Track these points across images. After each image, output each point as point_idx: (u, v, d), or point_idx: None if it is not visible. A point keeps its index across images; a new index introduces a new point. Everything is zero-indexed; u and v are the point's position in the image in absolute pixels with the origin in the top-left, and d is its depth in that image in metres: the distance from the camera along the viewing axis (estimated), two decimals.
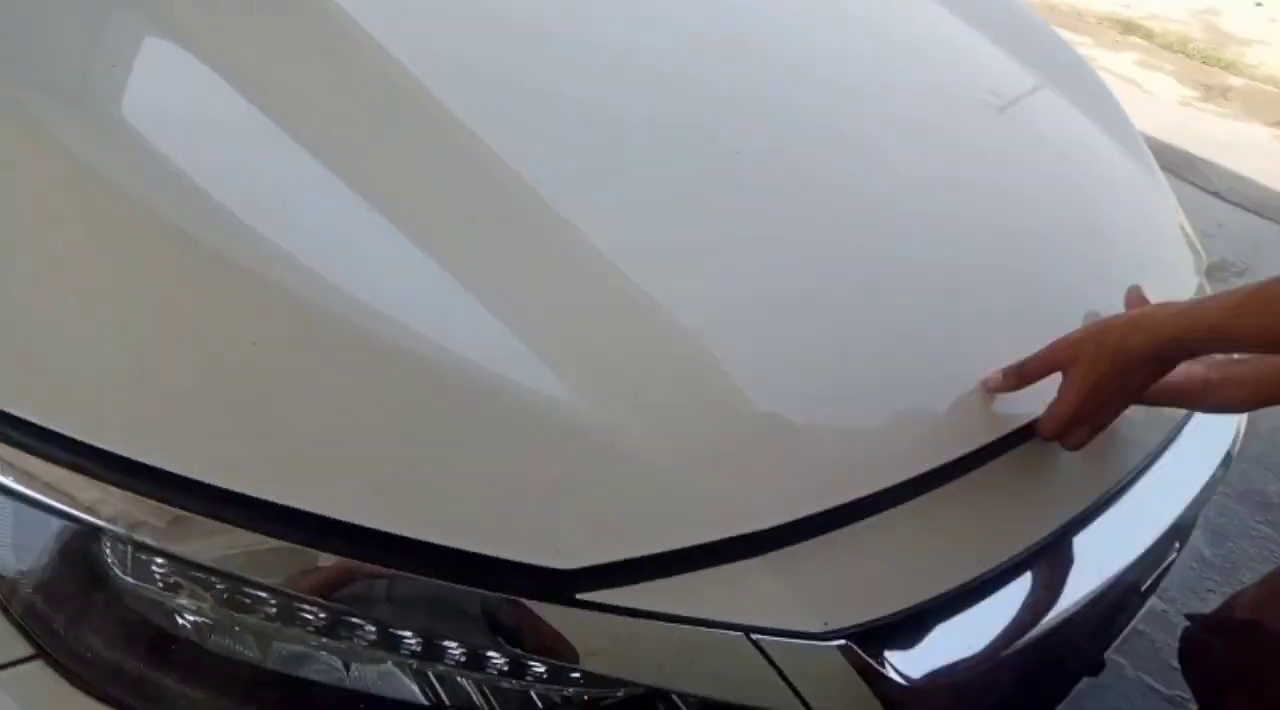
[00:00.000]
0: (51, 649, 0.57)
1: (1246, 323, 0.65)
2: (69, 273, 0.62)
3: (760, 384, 0.70)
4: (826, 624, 0.63)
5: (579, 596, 0.59)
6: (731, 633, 0.61)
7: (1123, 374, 0.72)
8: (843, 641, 0.64)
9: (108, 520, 0.56)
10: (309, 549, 0.57)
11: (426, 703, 0.62)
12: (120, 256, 0.63)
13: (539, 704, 0.63)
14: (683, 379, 0.68)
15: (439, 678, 0.61)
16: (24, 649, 0.57)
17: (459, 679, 0.61)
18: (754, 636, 0.62)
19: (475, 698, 0.62)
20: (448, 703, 0.62)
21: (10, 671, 0.56)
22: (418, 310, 0.64)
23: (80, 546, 0.58)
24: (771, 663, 0.62)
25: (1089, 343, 0.75)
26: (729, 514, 0.63)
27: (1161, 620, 1.79)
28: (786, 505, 0.65)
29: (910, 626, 0.67)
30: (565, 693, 0.62)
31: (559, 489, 0.61)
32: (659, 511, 0.62)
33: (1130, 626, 1.01)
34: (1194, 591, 1.88)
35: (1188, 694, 1.02)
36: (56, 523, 0.57)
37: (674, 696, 0.64)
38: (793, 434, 0.69)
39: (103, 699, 0.57)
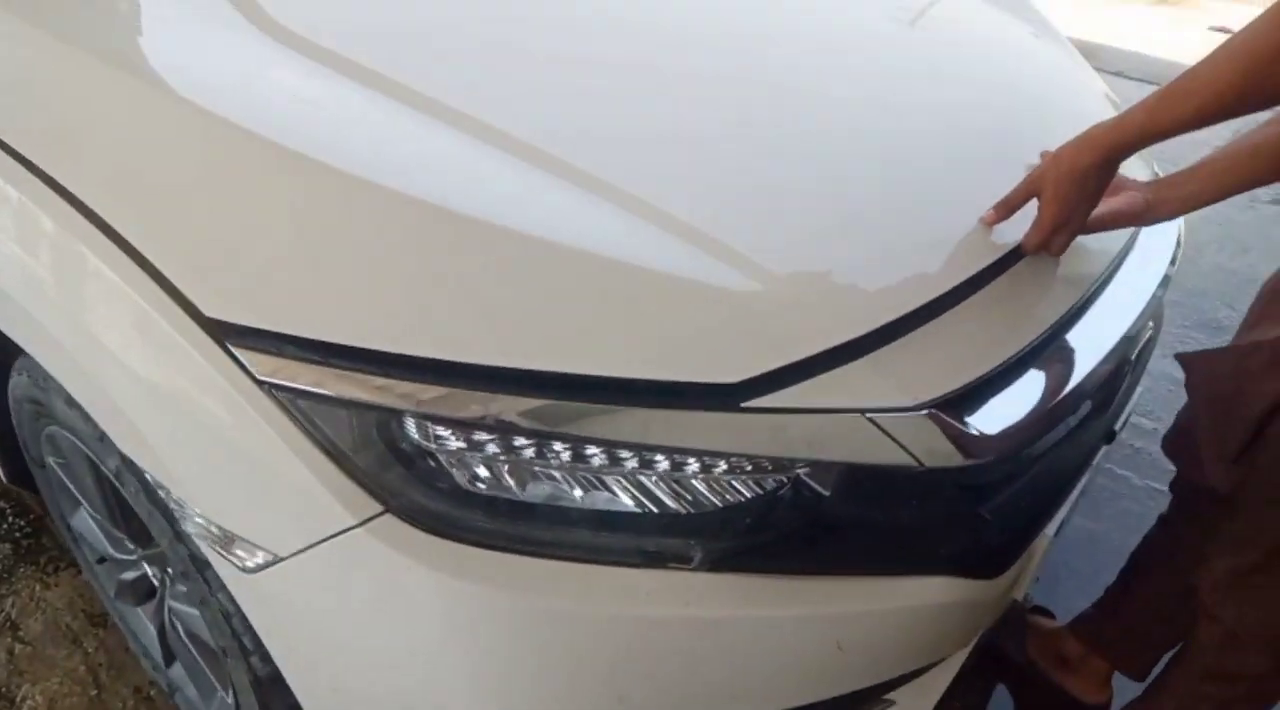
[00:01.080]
0: (393, 505, 0.80)
1: (1164, 116, 0.90)
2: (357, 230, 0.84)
3: (849, 233, 0.96)
4: (916, 399, 0.88)
5: (742, 404, 0.83)
6: (852, 414, 0.86)
7: (1081, 184, 0.98)
8: (928, 410, 0.88)
9: (407, 403, 0.79)
10: (555, 402, 0.80)
11: (639, 510, 0.85)
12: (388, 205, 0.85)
13: (714, 500, 0.87)
14: (798, 238, 0.93)
15: (646, 488, 0.84)
16: (376, 507, 0.80)
17: (664, 484, 0.84)
18: (868, 415, 0.86)
19: (672, 499, 0.85)
20: (653, 508, 0.85)
21: (373, 524, 0.79)
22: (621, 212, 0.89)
23: (392, 427, 0.80)
24: (884, 431, 0.86)
25: (1050, 168, 1.00)
26: (838, 326, 0.87)
27: (1154, 436, 2.08)
28: (876, 314, 0.89)
29: (973, 395, 0.92)
30: (739, 481, 0.86)
31: (723, 327, 0.84)
32: (790, 332, 0.86)
33: (1127, 412, 1.28)
34: (1173, 408, 2.17)
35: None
36: (371, 414, 0.79)
37: (811, 482, 0.88)
38: (874, 263, 0.94)
39: (439, 535, 0.80)
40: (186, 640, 1.22)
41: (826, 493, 0.89)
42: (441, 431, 0.81)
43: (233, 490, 0.84)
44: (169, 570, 1.20)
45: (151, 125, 0.90)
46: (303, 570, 0.83)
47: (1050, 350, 1.03)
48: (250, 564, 0.87)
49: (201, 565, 0.98)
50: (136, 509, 1.03)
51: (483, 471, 0.82)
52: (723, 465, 0.85)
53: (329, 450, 0.80)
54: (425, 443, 0.81)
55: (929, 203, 1.05)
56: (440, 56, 1.05)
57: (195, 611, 1.14)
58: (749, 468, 0.86)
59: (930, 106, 1.21)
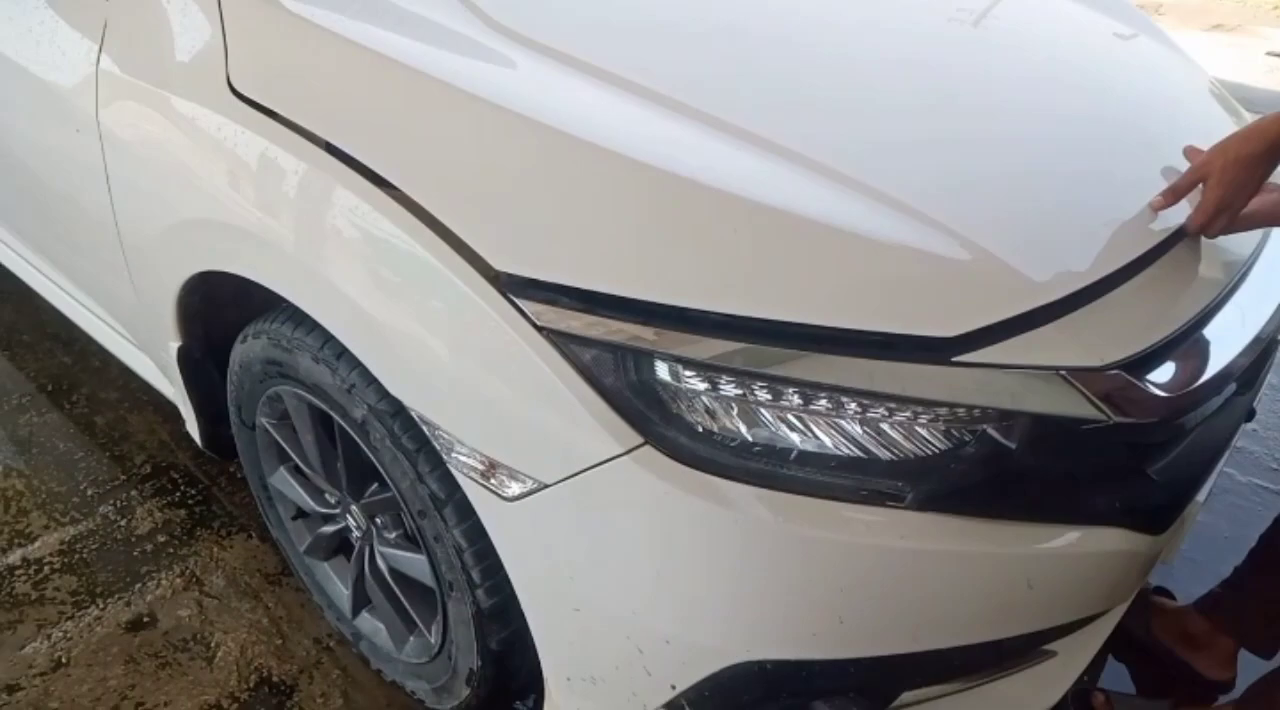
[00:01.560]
0: (651, 438, 0.91)
1: None
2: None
3: (1040, 211, 1.07)
4: (1104, 359, 0.97)
5: (953, 358, 0.93)
6: (1049, 371, 0.95)
7: (1247, 170, 1.07)
8: (1115, 370, 0.98)
9: (659, 346, 0.90)
10: (789, 349, 0.90)
11: (861, 453, 0.95)
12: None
13: (925, 446, 0.96)
14: (997, 216, 1.03)
15: (867, 432, 0.94)
16: (637, 439, 0.90)
17: (882, 429, 0.94)
18: (1061, 373, 0.96)
19: (887, 444, 0.95)
20: (873, 452, 0.95)
21: (636, 453, 0.90)
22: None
23: (648, 368, 0.91)
24: (1077, 388, 0.95)
25: (1218, 156, 1.10)
26: (1035, 291, 0.97)
27: (1254, 437, 2.14)
28: (1067, 282, 0.99)
29: (1151, 358, 1.01)
30: (946, 429, 0.95)
31: (938, 290, 0.94)
32: (994, 296, 0.96)
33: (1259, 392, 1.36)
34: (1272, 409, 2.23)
35: None
36: (630, 356, 0.90)
37: (1003, 434, 0.98)
38: (1062, 238, 1.05)
39: (691, 465, 0.90)
40: (393, 584, 1.33)
41: (1015, 444, 0.98)
42: (688, 374, 0.92)
43: (505, 424, 0.96)
44: (378, 519, 1.32)
45: (458, 125, 1.02)
46: (566, 496, 0.94)
47: (1211, 324, 1.12)
48: (510, 493, 0.98)
49: (440, 503, 1.10)
50: (377, 454, 1.14)
51: (722, 411, 0.93)
52: (934, 414, 0.95)
53: (597, 387, 0.91)
54: (675, 383, 0.92)
55: (1103, 186, 1.15)
56: (681, 58, 1.18)
57: (410, 554, 1.26)
58: (956, 417, 0.95)
59: (1086, 105, 1.31)
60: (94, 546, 1.71)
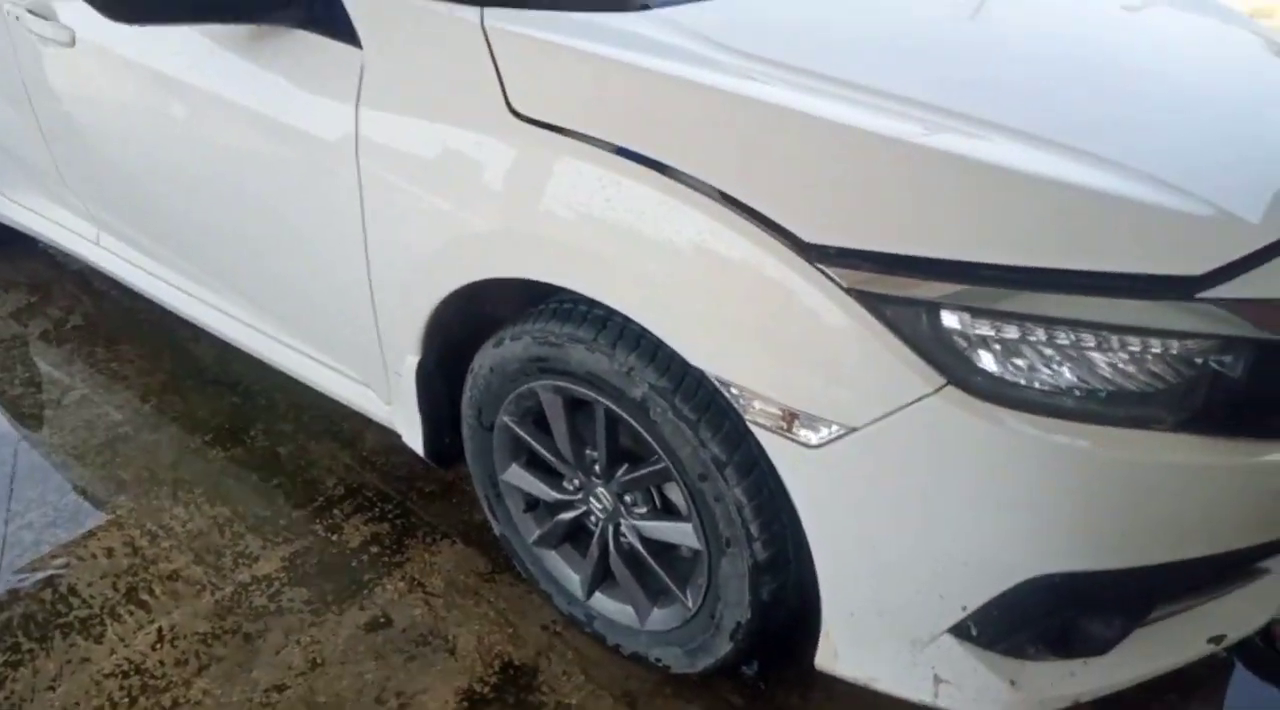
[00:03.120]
0: (952, 378, 1.05)
1: None
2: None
3: (1235, 171, 1.23)
4: None
5: (1196, 295, 1.07)
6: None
7: None
8: None
9: (946, 298, 1.05)
10: (1062, 294, 1.05)
11: (1108, 385, 1.08)
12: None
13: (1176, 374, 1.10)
14: (1208, 173, 1.19)
15: (1111, 362, 1.08)
16: (941, 379, 1.04)
17: (1142, 360, 1.08)
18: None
19: (1147, 375, 1.09)
20: (1121, 381, 1.08)
21: (944, 391, 1.04)
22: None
23: (940, 317, 1.06)
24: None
25: None
26: (1255, 235, 1.12)
27: None
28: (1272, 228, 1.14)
29: None
30: (1175, 355, 1.09)
31: (1178, 236, 1.10)
32: (1221, 240, 1.11)
33: None
34: None
35: None
36: (922, 308, 1.05)
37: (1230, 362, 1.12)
38: (1256, 195, 1.19)
39: (987, 400, 1.04)
40: (647, 556, 1.45)
41: (1247, 369, 1.12)
42: (975, 321, 1.06)
43: (813, 377, 1.10)
44: (626, 497, 1.44)
45: (747, 125, 1.19)
46: (874, 437, 1.08)
47: None
48: (816, 440, 1.11)
49: (721, 465, 1.23)
50: (656, 429, 1.27)
51: (1006, 352, 1.07)
52: (1185, 345, 1.09)
53: (901, 337, 1.05)
54: (964, 329, 1.06)
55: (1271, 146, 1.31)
56: (902, 66, 1.37)
57: (672, 523, 1.38)
58: (1201, 348, 1.09)
59: (1253, 96, 1.49)
60: (314, 561, 1.83)
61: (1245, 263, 1.11)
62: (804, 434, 1.12)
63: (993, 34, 1.60)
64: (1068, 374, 1.07)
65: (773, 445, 1.16)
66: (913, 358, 1.05)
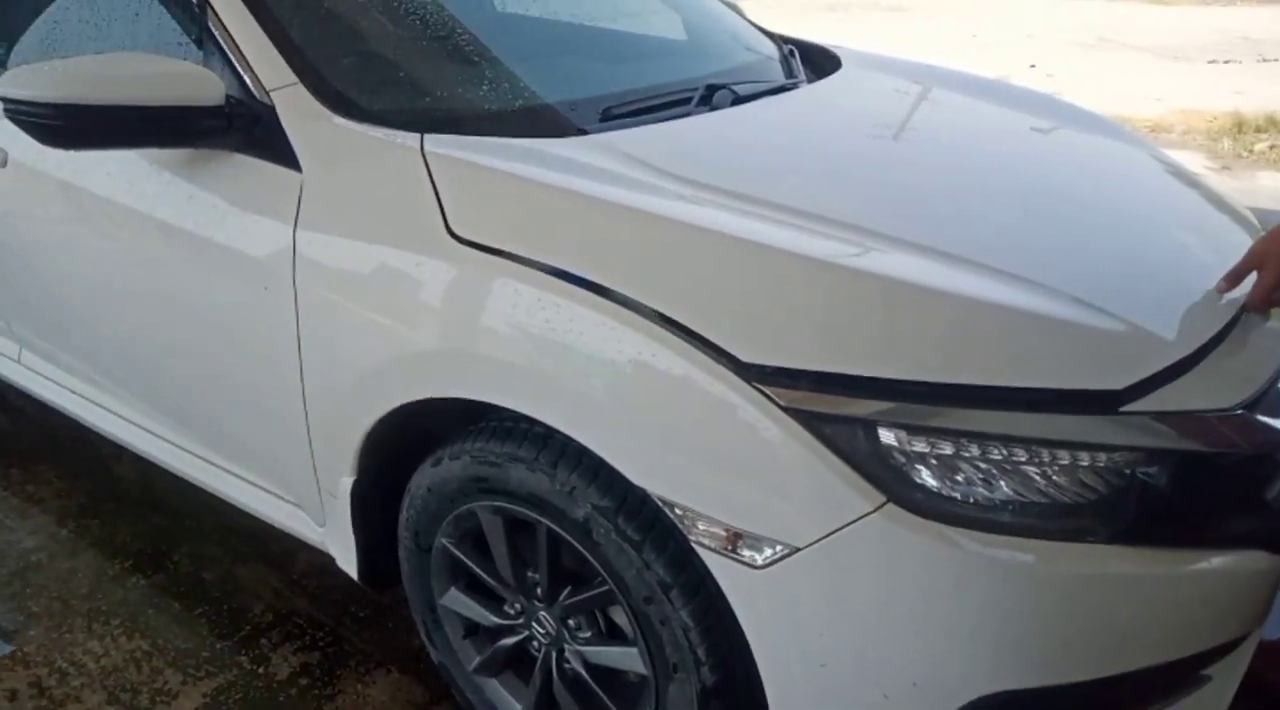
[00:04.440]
0: (891, 496, 1.05)
1: None
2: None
3: (1152, 291, 1.30)
4: (1232, 401, 1.17)
5: (1120, 409, 1.11)
6: (1195, 413, 1.14)
7: None
8: (1240, 411, 1.17)
9: (880, 416, 1.06)
10: (989, 411, 1.07)
11: (1042, 497, 1.10)
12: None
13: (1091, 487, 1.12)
14: (1129, 290, 1.26)
15: (1063, 478, 1.10)
16: (881, 497, 1.05)
17: (1073, 474, 1.10)
18: (1207, 414, 1.14)
19: (1080, 488, 1.11)
20: (1053, 494, 1.10)
21: (884, 509, 1.05)
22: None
23: (877, 435, 1.07)
24: (1215, 427, 1.14)
25: (1272, 245, 1.33)
26: (1171, 349, 1.17)
27: None
28: (1189, 341, 1.19)
29: (1259, 401, 1.21)
30: (1104, 467, 1.11)
31: (1099, 353, 1.14)
32: (1140, 355, 1.15)
33: None
34: None
35: None
36: (859, 426, 1.06)
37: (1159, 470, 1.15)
38: (1172, 310, 1.26)
39: (926, 517, 1.05)
40: (592, 682, 1.40)
41: (1170, 480, 1.15)
42: (911, 438, 1.08)
43: (756, 497, 1.09)
44: (570, 621, 1.40)
45: (683, 248, 1.22)
46: (819, 556, 1.07)
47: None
48: (760, 560, 1.10)
49: (667, 587, 1.20)
50: (598, 551, 1.25)
51: (942, 468, 1.08)
52: (1111, 457, 1.11)
53: (840, 455, 1.06)
54: (901, 446, 1.07)
55: (1184, 268, 1.39)
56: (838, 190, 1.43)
57: (619, 648, 1.34)
58: (1128, 459, 1.12)
59: (1153, 212, 1.58)
60: (238, 696, 1.72)
61: (1162, 376, 1.16)
62: (748, 554, 1.11)
63: (914, 156, 1.68)
64: (1003, 488, 1.09)
65: (718, 566, 1.14)
66: (853, 476, 1.06)
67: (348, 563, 1.65)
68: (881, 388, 1.07)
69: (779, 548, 1.09)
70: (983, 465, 1.08)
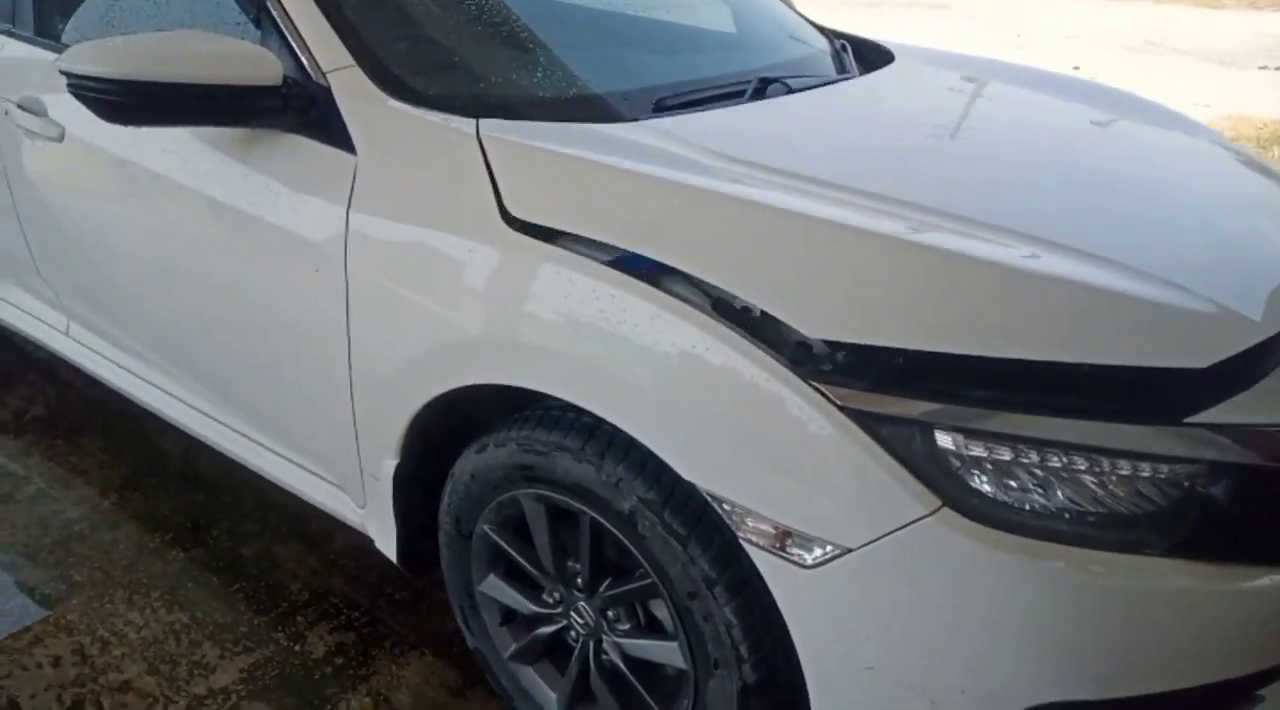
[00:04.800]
0: (947, 499, 1.04)
1: None
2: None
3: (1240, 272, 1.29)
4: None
5: (1184, 420, 1.09)
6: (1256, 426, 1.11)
7: None
8: None
9: (936, 418, 1.05)
10: (1052, 418, 1.05)
11: (1100, 507, 1.08)
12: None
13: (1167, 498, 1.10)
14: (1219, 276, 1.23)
15: (1102, 485, 1.08)
16: (937, 501, 1.03)
17: (1132, 484, 1.08)
18: (1266, 428, 1.12)
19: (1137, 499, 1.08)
20: (1112, 504, 1.08)
21: (940, 513, 1.03)
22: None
23: (930, 438, 1.05)
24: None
25: None
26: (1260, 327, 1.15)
27: None
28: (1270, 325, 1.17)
29: None
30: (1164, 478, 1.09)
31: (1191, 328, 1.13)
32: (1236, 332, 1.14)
33: None
34: None
35: None
36: (915, 428, 1.05)
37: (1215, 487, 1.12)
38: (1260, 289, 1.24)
39: (982, 523, 1.03)
40: (630, 675, 1.40)
41: (1234, 493, 1.12)
42: (969, 441, 1.06)
43: (807, 496, 1.08)
44: (609, 612, 1.40)
45: (749, 227, 1.21)
46: (871, 558, 1.06)
47: None
48: (810, 560, 1.09)
49: (712, 583, 1.20)
50: (643, 544, 1.24)
51: (999, 473, 1.06)
52: (1171, 469, 1.09)
53: (897, 457, 1.04)
54: (958, 450, 1.06)
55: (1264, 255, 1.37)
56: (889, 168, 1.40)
57: (659, 642, 1.34)
58: (1187, 471, 1.10)
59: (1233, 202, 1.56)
60: (274, 672, 1.74)
61: (1248, 356, 1.13)
62: (798, 553, 1.10)
63: (975, 143, 1.65)
64: (1060, 497, 1.07)
65: (766, 564, 1.13)
66: (908, 478, 1.04)
67: (387, 545, 1.66)
68: (949, 367, 1.05)
69: (829, 548, 1.08)
70: (1040, 472, 1.07)
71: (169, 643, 1.80)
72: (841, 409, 1.06)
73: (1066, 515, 1.07)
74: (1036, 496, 1.07)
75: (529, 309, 1.25)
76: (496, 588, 1.53)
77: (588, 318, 1.19)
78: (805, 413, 1.06)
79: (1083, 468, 1.07)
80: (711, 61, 1.97)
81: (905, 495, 1.04)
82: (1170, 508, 1.09)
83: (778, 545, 1.11)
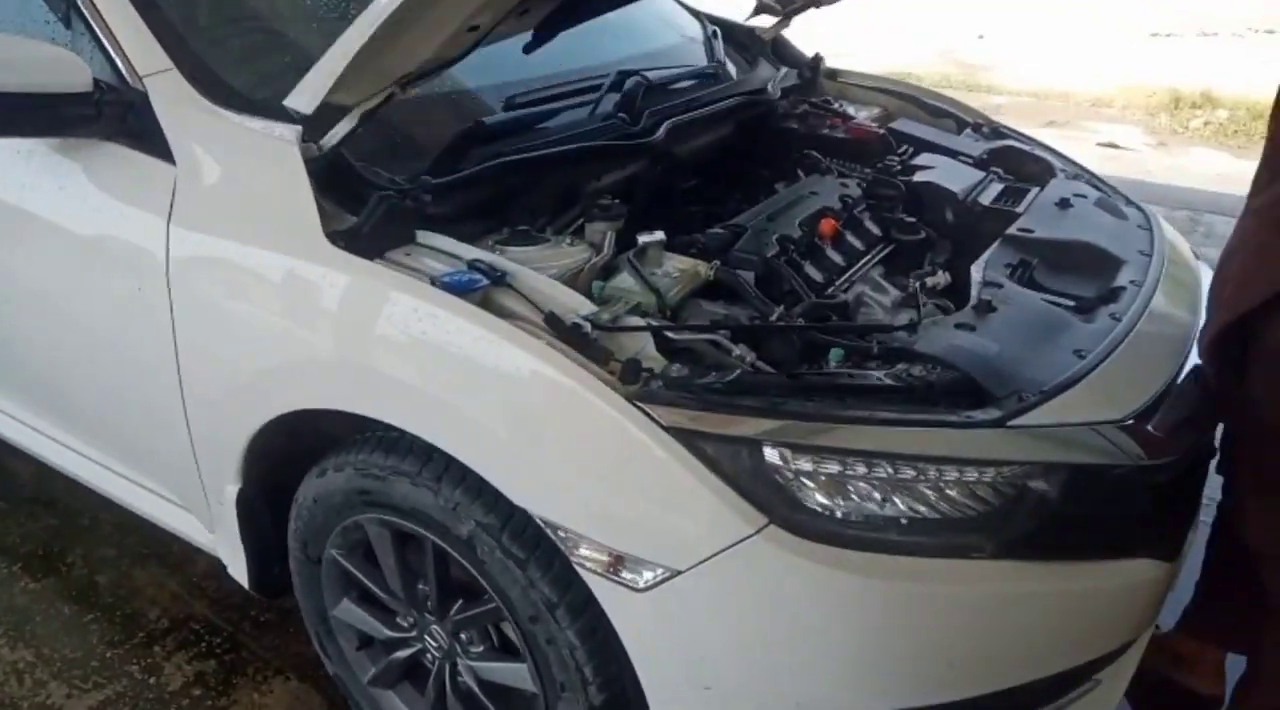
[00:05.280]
0: (774, 517, 1.02)
1: None
2: None
3: None
4: (1123, 411, 1.16)
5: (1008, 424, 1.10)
6: (1084, 426, 1.13)
7: None
8: (1130, 422, 1.16)
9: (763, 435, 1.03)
10: (879, 427, 1.05)
11: (945, 514, 1.08)
12: None
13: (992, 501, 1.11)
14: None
15: (945, 493, 1.08)
16: (763, 519, 1.02)
17: (957, 489, 1.08)
18: (1094, 427, 1.13)
19: (964, 503, 1.09)
20: (954, 510, 1.09)
21: (766, 531, 1.02)
22: None
23: (760, 455, 1.04)
24: (1108, 439, 1.13)
25: None
26: None
27: None
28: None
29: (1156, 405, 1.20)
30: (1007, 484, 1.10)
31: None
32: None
33: None
34: None
35: None
36: (743, 446, 1.03)
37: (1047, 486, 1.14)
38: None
39: (810, 539, 1.02)
40: (484, 698, 1.36)
41: (1060, 493, 1.14)
42: (795, 456, 1.05)
43: (636, 519, 1.06)
44: (461, 635, 1.36)
45: None
46: (700, 580, 1.04)
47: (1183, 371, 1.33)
48: (643, 582, 1.06)
49: (553, 606, 1.17)
50: (484, 567, 1.21)
51: (825, 487, 1.05)
52: (997, 472, 1.10)
53: (722, 477, 1.02)
54: (785, 465, 1.04)
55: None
56: None
57: (509, 664, 1.31)
58: (1010, 474, 1.10)
59: None
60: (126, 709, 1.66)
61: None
62: (630, 577, 1.08)
63: None
64: (893, 505, 1.07)
65: (600, 588, 1.11)
66: (734, 497, 1.03)
67: (239, 571, 1.59)
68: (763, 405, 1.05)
69: (660, 571, 1.06)
70: (868, 485, 1.06)
71: (10, 684, 1.69)
72: (666, 429, 1.03)
73: (897, 525, 1.06)
74: (866, 508, 1.06)
75: (350, 331, 1.19)
76: (350, 613, 1.48)
77: (410, 339, 1.14)
78: (630, 435, 1.04)
79: (910, 477, 1.07)
80: (563, 57, 1.92)
81: (731, 515, 1.02)
82: (996, 511, 1.10)
83: (611, 570, 1.08)
